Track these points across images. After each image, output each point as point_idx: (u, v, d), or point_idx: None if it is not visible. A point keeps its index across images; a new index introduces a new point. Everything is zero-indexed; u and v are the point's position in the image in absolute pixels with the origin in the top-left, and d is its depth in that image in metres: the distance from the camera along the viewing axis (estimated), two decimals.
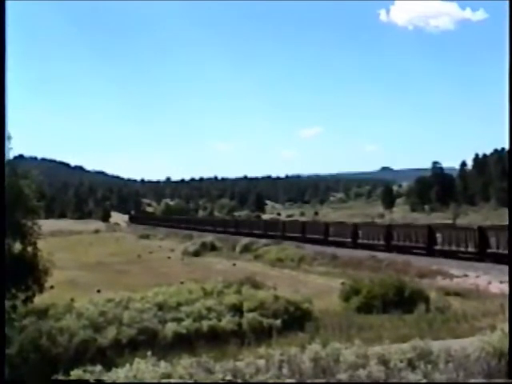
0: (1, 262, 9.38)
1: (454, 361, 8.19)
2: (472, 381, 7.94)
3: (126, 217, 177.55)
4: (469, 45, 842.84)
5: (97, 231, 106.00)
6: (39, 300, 17.62)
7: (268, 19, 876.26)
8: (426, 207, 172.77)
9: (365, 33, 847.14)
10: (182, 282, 23.11)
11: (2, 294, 9.25)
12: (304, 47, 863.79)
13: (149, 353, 8.58)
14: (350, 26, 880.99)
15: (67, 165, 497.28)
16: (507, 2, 8.32)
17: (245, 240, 53.64)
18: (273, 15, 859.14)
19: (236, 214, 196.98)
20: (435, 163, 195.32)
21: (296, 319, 16.26)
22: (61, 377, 8.36)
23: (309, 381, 7.89)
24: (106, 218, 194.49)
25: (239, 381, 7.81)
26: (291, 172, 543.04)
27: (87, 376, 8.07)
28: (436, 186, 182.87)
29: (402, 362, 8.08)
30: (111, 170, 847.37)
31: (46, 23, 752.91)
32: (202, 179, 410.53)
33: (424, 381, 7.64)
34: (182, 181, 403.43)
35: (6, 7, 7.79)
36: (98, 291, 24.83)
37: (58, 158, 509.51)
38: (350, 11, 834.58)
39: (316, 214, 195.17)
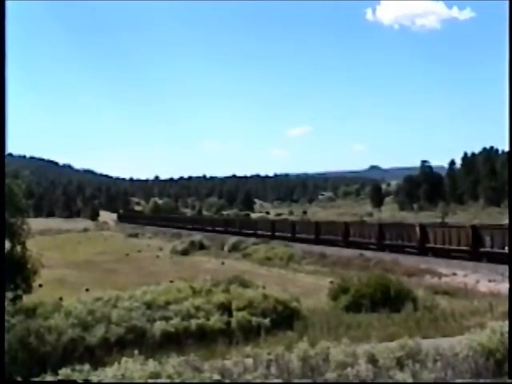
0: (1, 262, 9.35)
1: (443, 359, 8.21)
2: (463, 380, 7.96)
3: (115, 215, 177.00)
4: (456, 44, 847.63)
5: (85, 230, 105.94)
6: (27, 299, 17.59)
7: (256, 20, 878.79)
8: (415, 206, 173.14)
9: (351, 32, 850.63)
10: (171, 281, 23.06)
11: (2, 293, 9.23)
12: (292, 47, 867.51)
13: (136, 351, 8.58)
14: (336, 25, 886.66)
15: (56, 163, 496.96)
16: (507, 2, 8.33)
17: (233, 239, 53.67)
18: (261, 16, 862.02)
19: (224, 212, 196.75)
20: (424, 162, 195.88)
21: (284, 318, 16.22)
22: (49, 376, 8.33)
23: (296, 380, 7.89)
24: (94, 216, 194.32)
25: (227, 381, 7.81)
26: (280, 171, 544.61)
27: (75, 375, 8.05)
28: (425, 185, 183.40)
29: (390, 360, 8.10)
30: (100, 168, 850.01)
31: (34, 20, 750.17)
32: (190, 178, 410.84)
33: (410, 380, 7.66)
34: (171, 179, 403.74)
35: (6, 7, 7.76)
36: (87, 290, 24.75)
37: (47, 157, 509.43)
38: (336, 10, 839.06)
39: (305, 212, 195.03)
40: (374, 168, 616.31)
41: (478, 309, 16.91)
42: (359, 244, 43.60)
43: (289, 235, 54.48)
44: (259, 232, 60.17)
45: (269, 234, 57.46)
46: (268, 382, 7.81)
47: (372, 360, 8.12)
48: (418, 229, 38.73)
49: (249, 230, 63.12)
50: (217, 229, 72.71)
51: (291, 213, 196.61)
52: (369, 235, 43.83)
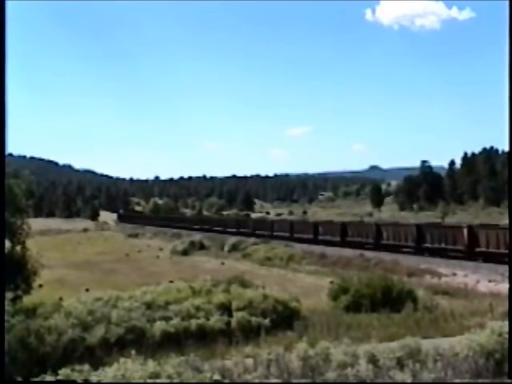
0: (1, 262, 9.32)
1: (443, 359, 8.20)
2: (463, 380, 7.95)
3: (115, 216, 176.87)
4: (455, 44, 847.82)
5: (85, 230, 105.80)
6: (27, 299, 17.57)
7: (256, 20, 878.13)
8: (415, 206, 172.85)
9: (351, 32, 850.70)
10: (171, 281, 23.04)
11: (2, 294, 9.21)
12: (291, 47, 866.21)
13: (133, 352, 8.56)
14: (336, 26, 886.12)
15: (56, 163, 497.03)
16: (507, 2, 8.30)
17: (233, 239, 53.64)
18: (260, 16, 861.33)
19: (224, 212, 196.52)
20: (424, 162, 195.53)
21: (284, 318, 16.21)
22: (49, 376, 8.31)
23: (296, 380, 7.88)
24: (94, 216, 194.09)
25: (227, 381, 7.80)
26: (280, 171, 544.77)
27: (75, 375, 8.04)
28: (424, 185, 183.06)
29: (390, 360, 8.08)
30: (100, 168, 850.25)
31: (34, 20, 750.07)
32: (190, 178, 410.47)
33: (410, 380, 7.65)
34: (171, 179, 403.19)
35: (6, 7, 7.74)
36: (87, 290, 24.70)
37: (47, 157, 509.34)
38: (336, 10, 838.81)
39: (305, 212, 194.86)
40: (373, 168, 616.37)
41: (478, 309, 16.89)
42: (393, 247, 41.51)
43: (310, 237, 53.03)
44: (275, 233, 59.05)
45: (287, 235, 56.38)
46: (268, 382, 7.80)
47: (372, 360, 8.11)
48: (465, 231, 36.46)
49: (263, 231, 61.95)
50: (228, 230, 71.81)
51: (291, 213, 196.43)
52: (405, 237, 41.58)
